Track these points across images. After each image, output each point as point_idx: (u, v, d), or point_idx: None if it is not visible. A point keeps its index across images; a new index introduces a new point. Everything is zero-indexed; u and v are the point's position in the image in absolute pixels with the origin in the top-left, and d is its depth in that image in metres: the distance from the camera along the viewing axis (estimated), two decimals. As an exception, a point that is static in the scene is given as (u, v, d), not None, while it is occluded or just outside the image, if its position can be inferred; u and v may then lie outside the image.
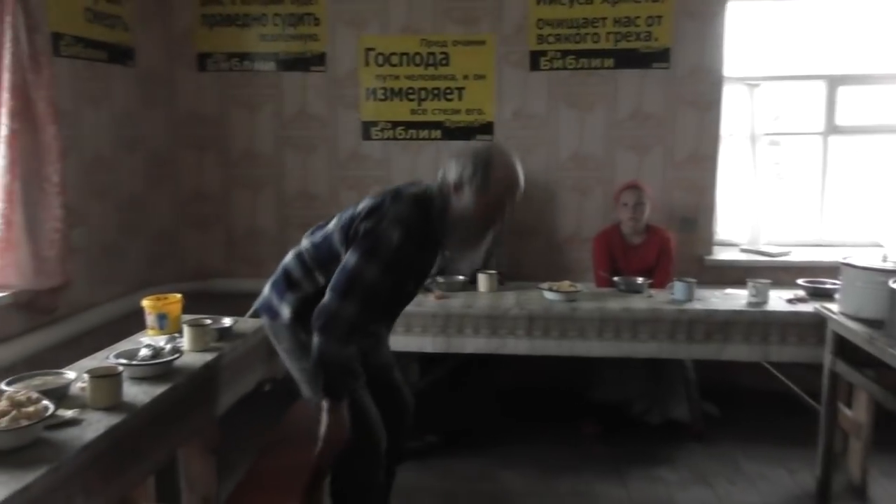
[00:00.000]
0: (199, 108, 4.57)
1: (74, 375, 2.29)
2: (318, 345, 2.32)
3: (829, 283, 3.63)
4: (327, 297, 2.33)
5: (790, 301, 3.57)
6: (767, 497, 3.38)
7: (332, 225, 2.52)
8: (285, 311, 2.54)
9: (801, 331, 3.43)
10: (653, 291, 3.75)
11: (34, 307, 3.38)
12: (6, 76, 3.14)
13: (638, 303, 3.57)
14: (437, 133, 4.46)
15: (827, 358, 3.27)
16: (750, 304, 3.54)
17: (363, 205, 2.44)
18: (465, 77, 4.41)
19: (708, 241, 4.47)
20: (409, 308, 3.44)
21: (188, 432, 2.60)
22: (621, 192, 4.09)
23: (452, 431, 3.93)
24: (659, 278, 3.98)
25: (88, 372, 2.21)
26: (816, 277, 3.79)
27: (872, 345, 2.83)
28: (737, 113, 4.56)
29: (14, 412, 1.82)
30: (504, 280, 4.06)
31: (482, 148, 2.42)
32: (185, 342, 2.74)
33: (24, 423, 1.81)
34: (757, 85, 4.50)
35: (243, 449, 3.18)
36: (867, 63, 4.51)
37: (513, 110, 4.43)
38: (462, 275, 3.81)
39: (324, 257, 2.49)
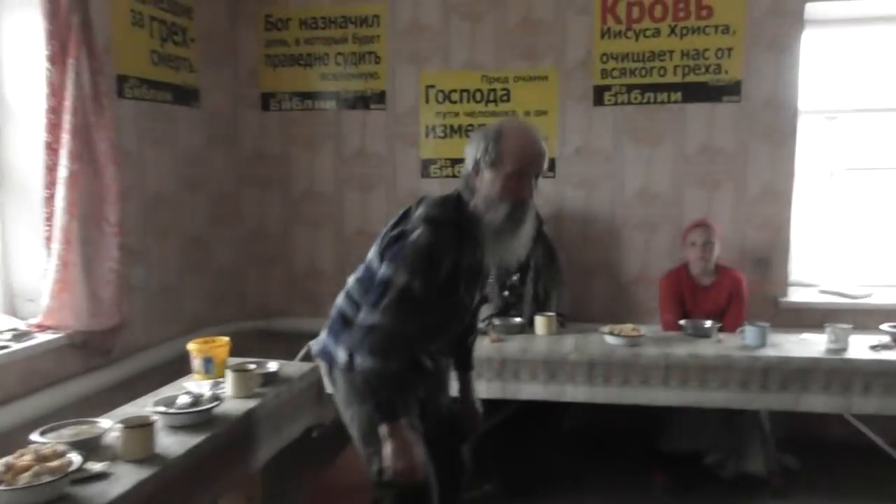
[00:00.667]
0: (262, 147, 4.61)
1: (109, 425, 2.26)
2: (358, 365, 2.13)
3: (918, 329, 3.36)
4: (362, 312, 2.17)
5: (874, 347, 3.31)
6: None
7: (370, 254, 2.36)
8: (341, 355, 2.31)
9: (886, 381, 3.16)
10: (722, 336, 3.54)
11: (90, 348, 3.39)
12: (67, 117, 3.18)
13: (706, 348, 3.36)
14: (498, 170, 4.36)
15: (916, 411, 3.01)
16: (829, 350, 3.29)
17: (391, 222, 2.32)
18: (527, 113, 4.31)
19: (783, 282, 4.21)
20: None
21: (228, 482, 2.54)
22: (689, 230, 3.90)
23: (513, 479, 3.74)
24: (730, 322, 3.76)
25: (121, 422, 2.18)
26: (903, 322, 3.52)
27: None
28: (814, 147, 4.31)
29: (36, 467, 1.79)
30: (565, 322, 3.91)
31: (492, 125, 2.26)
32: (227, 388, 2.70)
33: (47, 478, 1.77)
34: (835, 117, 4.25)
35: (290, 498, 3.10)
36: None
37: (576, 146, 4.30)
38: (510, 275, 3.62)
39: (368, 287, 2.28)
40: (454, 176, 4.40)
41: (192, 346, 2.94)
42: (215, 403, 2.43)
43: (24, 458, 1.83)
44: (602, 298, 4.36)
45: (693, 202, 4.22)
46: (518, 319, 3.75)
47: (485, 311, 4.05)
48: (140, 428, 2.14)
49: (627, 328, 3.51)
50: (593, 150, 4.29)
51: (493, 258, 2.30)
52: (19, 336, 3.13)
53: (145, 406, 2.48)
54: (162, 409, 2.41)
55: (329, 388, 2.52)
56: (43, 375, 3.18)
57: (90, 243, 3.31)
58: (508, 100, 4.32)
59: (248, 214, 4.66)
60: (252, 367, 2.80)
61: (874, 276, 4.37)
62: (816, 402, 3.22)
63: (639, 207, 4.28)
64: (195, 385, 2.79)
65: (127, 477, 2.00)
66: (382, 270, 2.17)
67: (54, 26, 3.13)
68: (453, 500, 2.52)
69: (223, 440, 2.40)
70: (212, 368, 2.90)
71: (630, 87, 4.20)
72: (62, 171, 3.18)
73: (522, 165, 2.17)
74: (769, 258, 4.20)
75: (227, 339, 3.01)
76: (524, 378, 3.39)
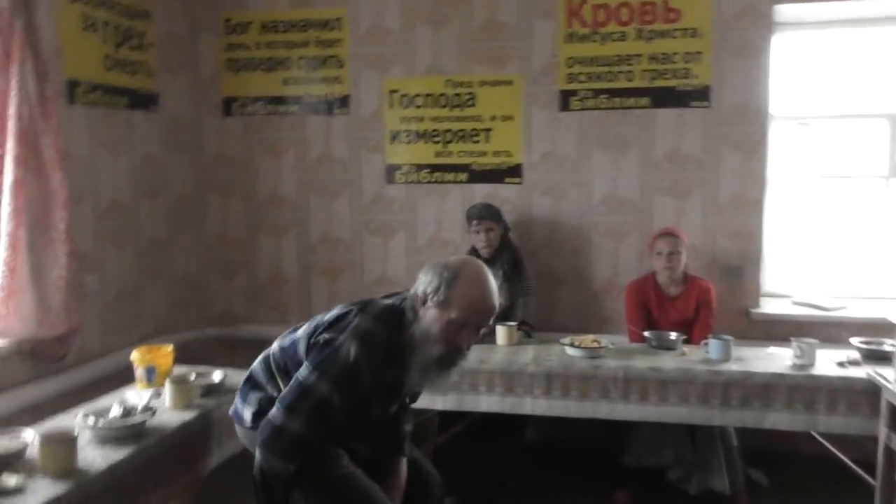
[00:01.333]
0: (224, 152, 4.53)
1: (32, 437, 2.18)
2: (259, 461, 2.16)
3: (889, 344, 3.25)
4: (274, 409, 2.18)
5: (841, 364, 3.20)
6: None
7: (301, 331, 2.35)
8: (247, 415, 2.38)
9: (851, 398, 3.04)
10: (687, 349, 3.45)
11: (39, 355, 3.32)
12: (12, 123, 3.12)
13: (668, 361, 3.27)
14: (464, 176, 4.29)
15: (882, 432, 2.91)
16: (794, 366, 3.19)
17: (332, 313, 2.29)
18: (493, 118, 4.24)
19: (755, 293, 4.12)
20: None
21: (164, 494, 2.45)
22: (655, 239, 3.81)
23: (473, 492, 3.65)
24: (698, 333, 3.67)
25: (40, 436, 2.10)
26: (877, 336, 3.42)
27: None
28: (787, 153, 4.23)
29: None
30: (531, 332, 3.83)
31: (454, 261, 2.23)
32: (166, 399, 2.61)
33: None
34: (808, 123, 4.17)
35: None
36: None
37: (542, 152, 4.22)
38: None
39: (288, 364, 2.32)
40: (419, 181, 4.33)
41: (134, 356, 2.87)
42: (142, 419, 2.35)
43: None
44: (570, 307, 4.28)
45: (662, 210, 4.14)
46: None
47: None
48: (59, 443, 2.06)
49: (588, 339, 3.42)
50: (560, 156, 4.21)
51: (414, 385, 2.31)
52: (-34, 343, 3.05)
53: (77, 417, 2.40)
54: (91, 421, 2.32)
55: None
56: (-14, 382, 3.10)
57: (38, 250, 3.26)
58: (473, 105, 4.25)
59: (211, 220, 4.59)
60: (192, 377, 2.72)
61: (849, 288, 4.28)
62: (780, 419, 3.11)
63: (607, 214, 4.20)
64: (135, 395, 2.71)
65: (41, 492, 1.94)
66: (303, 373, 2.18)
67: (-3, 30, 3.07)
68: None
69: (154, 452, 2.32)
70: (154, 378, 2.83)
71: (597, 92, 4.12)
72: (7, 178, 3.11)
73: (468, 317, 2.14)
74: (741, 268, 4.11)
75: (170, 347, 2.93)
76: (482, 390, 3.31)
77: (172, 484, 2.46)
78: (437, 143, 4.30)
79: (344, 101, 4.37)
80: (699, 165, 4.09)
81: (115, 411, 2.39)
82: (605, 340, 3.44)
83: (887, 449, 2.88)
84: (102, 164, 3.79)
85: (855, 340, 3.38)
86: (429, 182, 4.33)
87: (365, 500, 2.20)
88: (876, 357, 3.24)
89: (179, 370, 2.93)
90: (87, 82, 3.66)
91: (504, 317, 3.78)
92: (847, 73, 4.20)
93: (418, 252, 4.38)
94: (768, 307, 4.15)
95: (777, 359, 3.31)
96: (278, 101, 4.45)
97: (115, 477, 2.15)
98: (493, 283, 2.20)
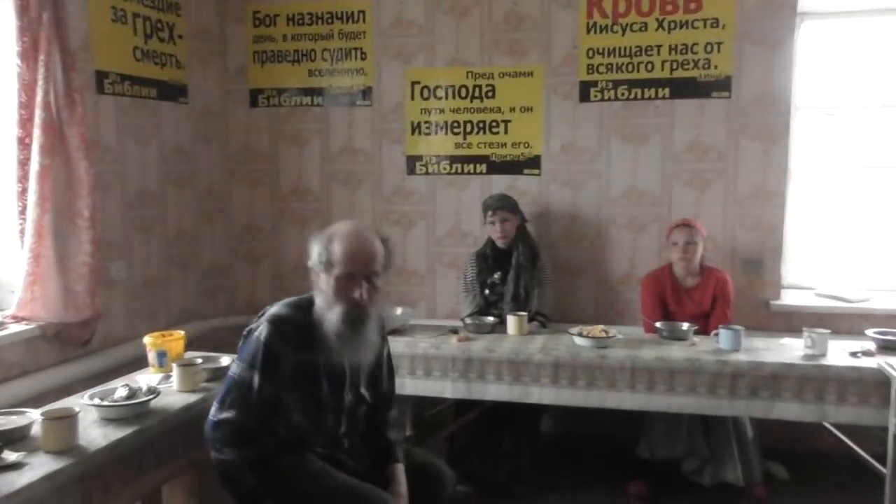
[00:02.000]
0: (250, 143, 4.62)
1: (36, 416, 2.27)
2: (214, 460, 2.27)
3: (904, 335, 3.20)
4: (212, 408, 2.31)
5: (854, 354, 3.15)
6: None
7: None
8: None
9: (862, 389, 3.00)
10: (696, 339, 3.42)
11: (63, 339, 3.42)
12: (39, 112, 3.22)
13: (675, 352, 3.25)
14: (483, 167, 4.31)
15: (892, 422, 2.86)
16: (806, 356, 3.15)
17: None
18: (512, 109, 4.24)
19: (775, 285, 4.07)
20: (430, 351, 3.36)
21: (166, 475, 2.53)
22: (671, 230, 3.79)
23: (486, 482, 3.68)
24: (715, 324, 3.62)
25: (42, 413, 2.19)
26: (896, 328, 3.36)
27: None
28: (813, 144, 4.16)
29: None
30: (547, 323, 3.84)
31: (329, 227, 2.36)
32: (174, 382, 2.70)
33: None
34: (835, 114, 4.09)
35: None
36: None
37: (561, 143, 4.21)
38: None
39: None
40: (439, 173, 4.36)
41: (147, 340, 2.95)
42: (145, 399, 2.42)
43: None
44: (588, 299, 4.27)
45: (682, 201, 4.11)
46: (490, 319, 3.68)
47: (465, 309, 4.01)
48: (60, 420, 2.15)
49: (596, 329, 3.42)
50: (579, 148, 4.20)
51: (344, 358, 2.36)
52: (-6, 326, 3.17)
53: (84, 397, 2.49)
54: (96, 401, 2.41)
55: None
56: (15, 366, 3.22)
57: (63, 237, 3.34)
58: (494, 96, 4.26)
59: (237, 210, 4.68)
60: (199, 361, 2.80)
61: (875, 280, 4.20)
62: (790, 409, 3.08)
63: (626, 206, 4.18)
64: (145, 378, 2.80)
65: (41, 468, 2.00)
66: (231, 367, 2.35)
67: (25, 23, 3.16)
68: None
69: (156, 432, 2.39)
70: (165, 362, 2.91)
71: (617, 83, 4.10)
72: (34, 166, 3.21)
73: (350, 267, 2.26)
74: (761, 260, 4.06)
75: (181, 332, 3.01)
76: (489, 379, 3.33)
77: (174, 464, 2.53)
78: (458, 134, 4.33)
79: (366, 93, 4.42)
80: (720, 157, 4.05)
81: (121, 392, 2.47)
82: (613, 330, 3.43)
83: (898, 440, 2.84)
84: (131, 154, 3.91)
85: (870, 331, 3.32)
86: (448, 173, 4.37)
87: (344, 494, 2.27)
88: (891, 347, 3.19)
89: (190, 355, 3.01)
90: (117, 73, 3.77)
91: (521, 307, 3.81)
92: (874, 63, 4.10)
93: (438, 243, 4.42)
94: (788, 299, 4.09)
95: (788, 349, 3.27)
96: (304, 92, 4.52)
97: (115, 454, 2.21)
98: (368, 233, 2.34)
